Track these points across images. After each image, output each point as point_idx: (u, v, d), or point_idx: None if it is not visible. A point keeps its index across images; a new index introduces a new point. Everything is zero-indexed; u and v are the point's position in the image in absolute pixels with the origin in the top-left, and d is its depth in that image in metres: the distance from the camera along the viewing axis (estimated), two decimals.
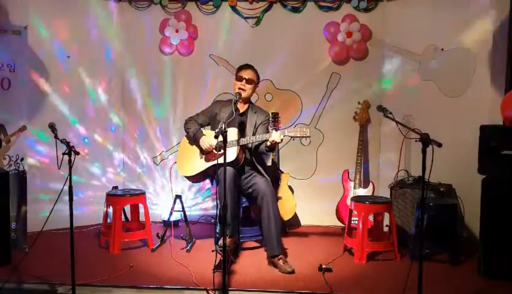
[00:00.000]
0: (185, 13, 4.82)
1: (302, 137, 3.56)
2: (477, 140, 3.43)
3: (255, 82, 3.92)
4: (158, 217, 4.85)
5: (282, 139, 3.55)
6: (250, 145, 3.87)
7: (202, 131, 3.93)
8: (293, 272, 3.45)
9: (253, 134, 3.85)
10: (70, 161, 2.86)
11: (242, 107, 3.98)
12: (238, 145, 3.71)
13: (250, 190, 3.80)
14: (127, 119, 5.03)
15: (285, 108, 4.84)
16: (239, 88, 3.86)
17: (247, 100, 3.99)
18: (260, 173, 3.87)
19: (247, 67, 3.96)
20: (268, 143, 3.62)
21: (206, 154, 3.88)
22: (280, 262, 3.52)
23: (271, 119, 4.13)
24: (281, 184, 4.46)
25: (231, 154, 3.67)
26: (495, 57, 4.07)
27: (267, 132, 3.81)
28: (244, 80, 3.87)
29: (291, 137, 3.59)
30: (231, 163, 3.63)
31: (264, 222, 3.64)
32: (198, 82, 4.92)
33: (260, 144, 3.78)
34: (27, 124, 4.27)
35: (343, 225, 4.43)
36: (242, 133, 3.86)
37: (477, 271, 3.45)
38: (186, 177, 4.03)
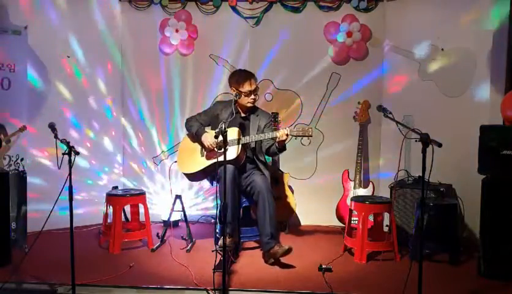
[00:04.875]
0: (185, 13, 4.82)
1: (305, 136, 3.56)
2: (477, 140, 3.43)
3: (258, 87, 3.90)
4: (158, 217, 4.85)
5: (287, 135, 3.54)
6: (252, 145, 3.87)
7: (204, 129, 3.93)
8: (290, 249, 3.50)
9: None
10: (70, 161, 2.86)
11: (244, 111, 3.95)
12: (239, 144, 3.71)
13: (248, 188, 3.80)
14: (127, 119, 5.03)
15: (285, 108, 4.84)
16: (250, 102, 3.80)
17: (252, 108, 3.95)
18: (260, 171, 3.87)
19: (250, 78, 3.81)
20: (277, 144, 3.63)
21: (208, 151, 3.88)
22: (276, 248, 3.53)
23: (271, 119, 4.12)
24: (281, 183, 4.46)
25: (232, 152, 3.67)
26: (495, 57, 4.07)
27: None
28: (252, 93, 3.80)
29: (294, 136, 3.59)
30: (231, 162, 3.63)
31: (260, 217, 3.65)
32: (198, 82, 4.92)
33: (271, 146, 3.77)
34: (27, 124, 4.26)
35: (343, 225, 4.43)
36: (244, 135, 3.84)
37: (477, 271, 3.45)
38: (186, 174, 4.03)
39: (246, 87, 3.78)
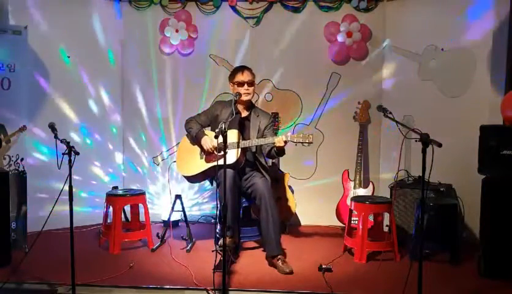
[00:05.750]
0: (185, 13, 4.82)
1: (305, 143, 3.55)
2: (477, 140, 3.43)
3: (254, 82, 3.89)
4: (158, 217, 4.85)
5: (285, 142, 3.55)
6: (253, 149, 3.86)
7: (204, 131, 3.92)
8: (291, 273, 3.44)
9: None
10: (70, 161, 2.86)
11: (244, 111, 3.94)
12: (238, 147, 3.70)
13: (249, 190, 3.79)
14: (127, 119, 5.03)
15: (285, 108, 4.84)
16: (244, 94, 3.80)
17: (250, 103, 3.95)
18: (260, 173, 3.87)
19: (243, 69, 3.87)
20: (275, 148, 3.64)
21: (207, 154, 3.87)
22: (279, 263, 3.52)
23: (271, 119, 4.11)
24: (281, 184, 4.46)
25: (231, 156, 3.66)
26: (495, 57, 4.07)
27: (276, 135, 3.78)
28: (246, 84, 3.82)
29: (294, 142, 3.59)
30: (231, 166, 3.62)
31: (263, 223, 3.64)
32: (198, 82, 4.92)
33: (270, 150, 3.77)
34: (27, 124, 4.26)
35: (343, 225, 4.43)
36: (244, 136, 3.85)
37: (477, 271, 3.45)
38: (185, 177, 4.02)
39: (238, 77, 3.82)
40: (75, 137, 4.67)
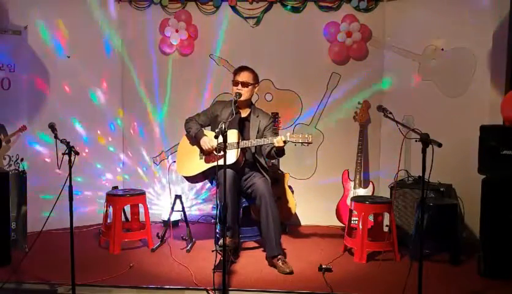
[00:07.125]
0: (185, 13, 4.82)
1: (304, 143, 3.55)
2: (477, 140, 3.43)
3: (251, 83, 3.85)
4: (158, 217, 4.85)
5: (285, 142, 3.55)
6: (253, 149, 3.87)
7: (203, 132, 3.92)
8: (291, 273, 3.44)
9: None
10: (70, 161, 2.86)
11: (244, 111, 3.95)
12: (238, 148, 3.70)
13: (249, 190, 3.79)
14: (127, 119, 5.03)
15: (285, 108, 4.84)
16: (236, 93, 3.81)
17: (246, 104, 3.94)
18: (260, 173, 3.87)
19: (241, 69, 3.89)
20: (275, 149, 3.64)
21: (207, 154, 3.87)
22: (279, 263, 3.52)
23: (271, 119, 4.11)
24: (281, 184, 4.46)
25: (231, 156, 3.66)
26: (495, 57, 4.07)
27: (276, 135, 3.78)
28: (240, 84, 3.82)
29: (294, 143, 3.59)
30: (230, 166, 3.62)
31: (263, 223, 3.64)
32: (198, 82, 4.92)
33: (270, 150, 3.78)
34: (27, 124, 4.27)
35: (343, 225, 4.43)
36: (244, 137, 3.84)
37: (477, 271, 3.45)
38: (185, 177, 4.02)
39: (235, 77, 3.87)
40: (74, 137, 4.65)
